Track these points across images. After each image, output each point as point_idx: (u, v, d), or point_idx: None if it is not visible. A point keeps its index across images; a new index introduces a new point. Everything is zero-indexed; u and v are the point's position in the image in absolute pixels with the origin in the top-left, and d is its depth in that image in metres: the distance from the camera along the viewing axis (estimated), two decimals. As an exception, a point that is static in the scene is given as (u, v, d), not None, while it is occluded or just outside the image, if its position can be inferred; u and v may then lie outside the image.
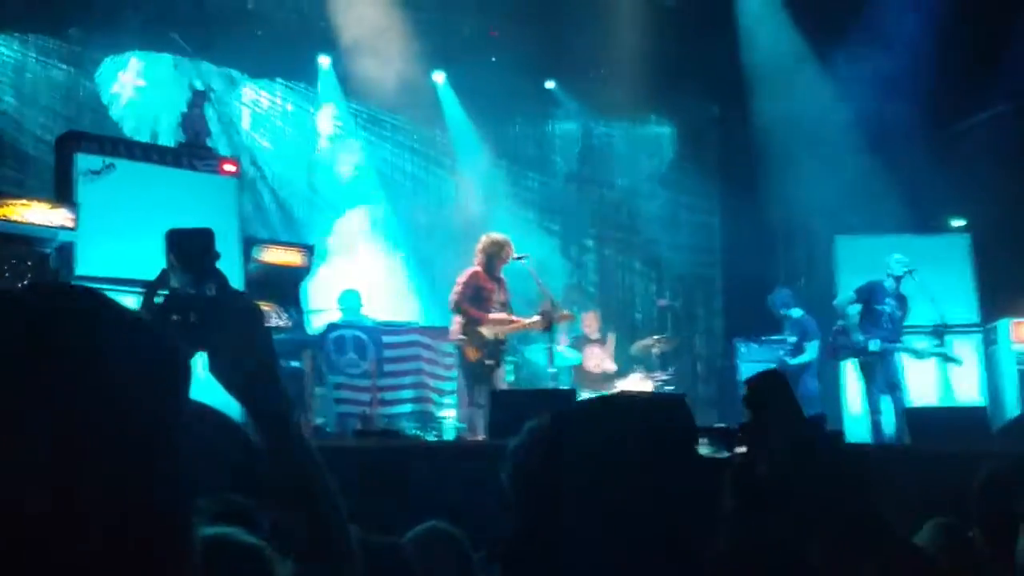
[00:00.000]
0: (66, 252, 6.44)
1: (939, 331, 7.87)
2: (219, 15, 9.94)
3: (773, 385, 1.30)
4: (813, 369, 8.65)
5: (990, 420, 6.79)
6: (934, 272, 8.17)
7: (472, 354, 7.12)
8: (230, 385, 1.23)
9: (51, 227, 6.33)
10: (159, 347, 0.84)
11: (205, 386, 1.18)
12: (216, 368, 1.23)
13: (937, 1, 9.06)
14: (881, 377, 7.93)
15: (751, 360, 9.36)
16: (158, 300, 1.32)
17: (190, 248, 1.34)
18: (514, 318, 7.25)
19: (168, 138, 9.63)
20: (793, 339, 8.70)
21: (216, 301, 1.29)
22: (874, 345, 7.90)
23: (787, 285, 9.24)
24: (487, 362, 7.11)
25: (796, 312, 8.79)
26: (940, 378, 7.76)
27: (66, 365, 0.77)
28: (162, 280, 1.29)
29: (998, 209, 9.25)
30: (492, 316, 7.10)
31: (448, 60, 10.67)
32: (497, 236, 7.36)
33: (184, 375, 0.85)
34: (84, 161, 6.64)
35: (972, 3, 8.89)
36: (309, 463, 1.24)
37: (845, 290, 8.41)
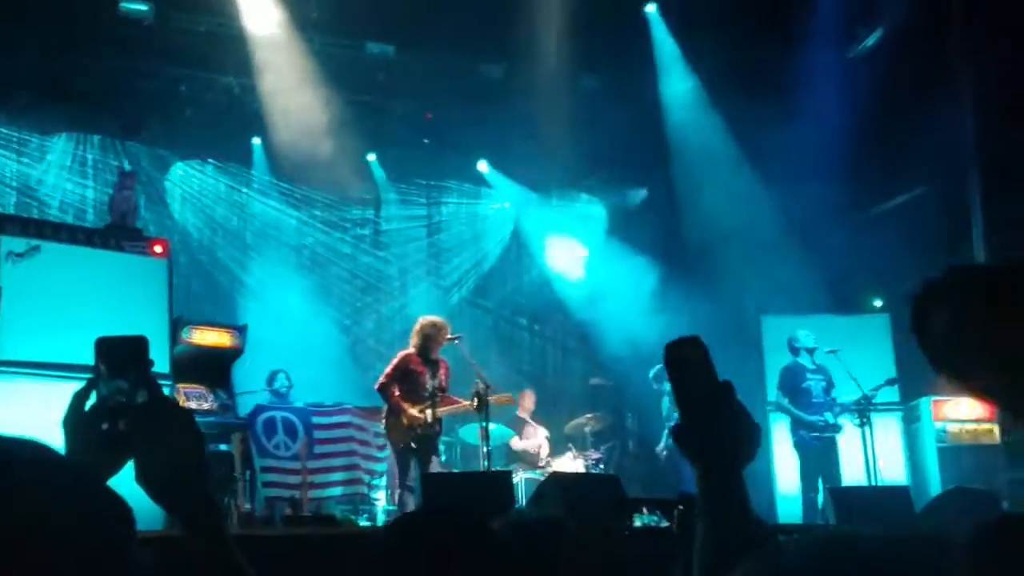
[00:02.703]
0: (-11, 337, 6.26)
1: (862, 408, 8.04)
2: (149, 96, 9.95)
3: (692, 347, 1.45)
4: None
5: (913, 499, 6.94)
6: (855, 351, 8.34)
7: (396, 440, 7.20)
8: (158, 495, 1.24)
9: (-28, 311, 6.18)
10: (103, 500, 0.85)
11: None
12: (144, 478, 1.24)
13: (856, 87, 9.46)
14: (818, 456, 8.02)
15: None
16: (87, 407, 1.33)
17: (121, 355, 1.35)
18: (456, 399, 7.27)
19: (96, 219, 9.53)
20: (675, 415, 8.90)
21: (147, 410, 1.30)
22: (830, 417, 8.01)
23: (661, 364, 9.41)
24: (412, 446, 7.11)
25: (668, 386, 8.99)
26: (864, 457, 7.92)
27: (8, 522, 0.77)
28: (91, 387, 1.29)
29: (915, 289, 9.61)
30: (409, 409, 7.10)
31: (381, 141, 10.82)
32: (433, 318, 7.41)
33: (129, 526, 0.86)
34: (8, 243, 6.51)
35: (890, 89, 9.34)
36: (237, 573, 1.25)
37: (772, 370, 8.62)
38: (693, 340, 1.43)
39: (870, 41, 9.84)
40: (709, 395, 1.40)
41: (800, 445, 8.16)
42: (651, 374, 9.26)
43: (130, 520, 0.91)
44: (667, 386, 8.94)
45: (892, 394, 9.22)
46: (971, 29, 8.94)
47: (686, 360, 1.42)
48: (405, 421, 7.12)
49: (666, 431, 9.06)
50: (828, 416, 8.02)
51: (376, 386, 7.29)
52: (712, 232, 10.38)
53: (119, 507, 0.90)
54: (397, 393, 7.18)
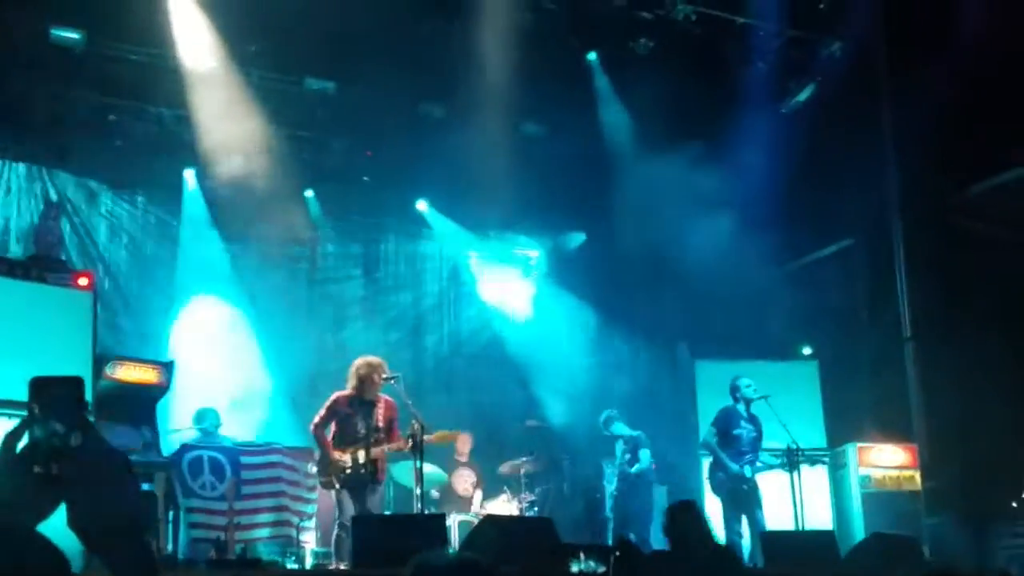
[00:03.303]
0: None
1: (791, 454, 8.17)
2: (78, 125, 9.71)
3: (691, 514, 1.45)
4: (649, 479, 8.96)
5: (838, 544, 7.04)
6: (785, 397, 8.46)
7: (325, 482, 7.22)
8: (89, 540, 1.19)
9: None
10: (38, 555, 0.81)
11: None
12: (76, 522, 1.18)
13: (787, 140, 9.69)
14: (741, 500, 8.10)
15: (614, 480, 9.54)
16: (19, 449, 1.26)
17: (56, 397, 1.29)
18: (397, 438, 7.18)
19: (19, 249, 9.22)
20: (628, 456, 9.02)
21: (81, 452, 1.25)
22: (748, 471, 8.11)
23: (618, 410, 9.52)
24: (340, 486, 7.09)
25: (623, 429, 9.15)
26: (792, 502, 8.03)
27: None
28: (24, 428, 1.22)
29: (843, 337, 9.85)
30: (333, 453, 7.11)
31: (319, 178, 10.73)
32: (368, 359, 7.36)
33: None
34: (-73, 273, 6.27)
35: (820, 143, 9.62)
36: None
37: (704, 413, 8.73)
38: (689, 505, 1.43)
39: (802, 96, 10.14)
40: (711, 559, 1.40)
41: (718, 488, 8.25)
42: (601, 418, 9.30)
43: (66, 571, 0.86)
44: (618, 428, 9.05)
45: (820, 439, 9.44)
46: (896, 85, 9.32)
47: (686, 529, 1.42)
48: (338, 461, 7.11)
49: (617, 475, 9.11)
50: (747, 469, 8.14)
51: (310, 428, 7.31)
52: (648, 277, 10.53)
53: (55, 559, 0.85)
54: (329, 436, 7.19)
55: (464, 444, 9.26)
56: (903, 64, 9.15)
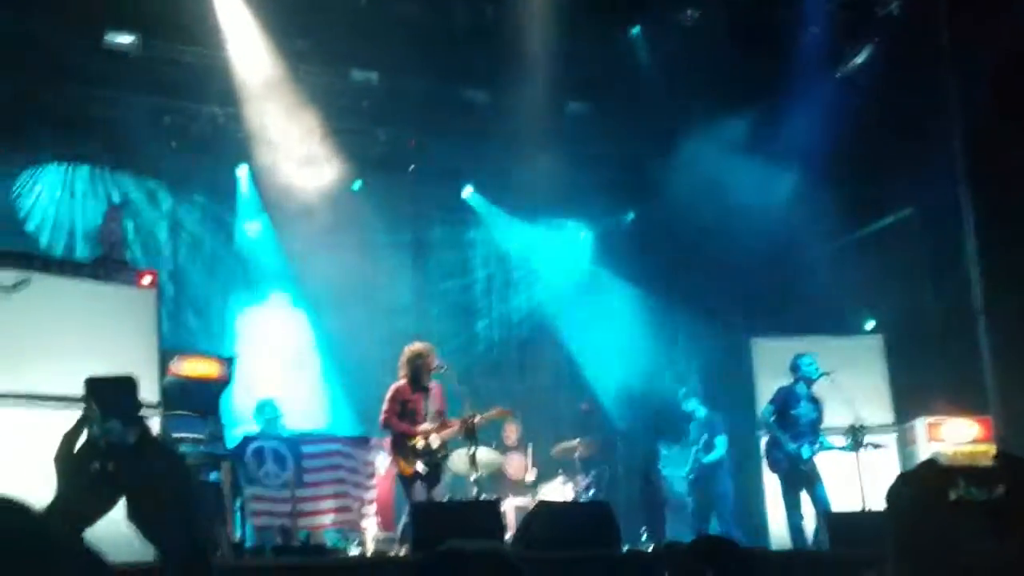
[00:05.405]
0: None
1: (856, 432, 8.00)
2: (135, 127, 9.95)
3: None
4: (726, 466, 8.81)
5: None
6: (848, 373, 8.24)
7: (405, 468, 7.33)
8: (148, 534, 1.26)
9: (-36, 343, 6.16)
10: (79, 562, 0.87)
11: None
12: (135, 517, 1.25)
13: (842, 110, 9.41)
14: (800, 480, 7.94)
15: (672, 463, 9.51)
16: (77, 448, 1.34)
17: (111, 396, 1.36)
18: (453, 423, 7.33)
19: (85, 251, 9.51)
20: (704, 437, 8.91)
21: (137, 450, 1.31)
22: (806, 452, 7.92)
23: (696, 386, 9.43)
24: (421, 471, 7.25)
25: (701, 412, 9.04)
26: (858, 481, 7.83)
27: None
28: (80, 427, 1.29)
29: (908, 310, 9.52)
30: (420, 428, 7.32)
31: (366, 168, 10.85)
32: (419, 347, 7.47)
33: None
34: (-1, 276, 6.50)
35: (876, 111, 9.34)
36: None
37: (762, 392, 8.58)
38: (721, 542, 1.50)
39: (859, 60, 9.81)
40: None
41: (775, 467, 8.09)
42: (680, 393, 9.19)
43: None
44: (691, 406, 8.93)
45: (886, 415, 9.17)
46: (959, 47, 8.94)
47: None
48: (419, 444, 7.28)
49: (692, 459, 9.04)
50: (805, 450, 7.93)
51: (380, 423, 7.50)
52: (701, 254, 10.38)
53: (97, 569, 0.91)
54: (402, 424, 7.36)
55: (511, 430, 9.33)
56: (965, 20, 8.73)
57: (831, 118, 9.43)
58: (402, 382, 7.44)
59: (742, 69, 9.29)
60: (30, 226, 9.99)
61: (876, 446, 8.10)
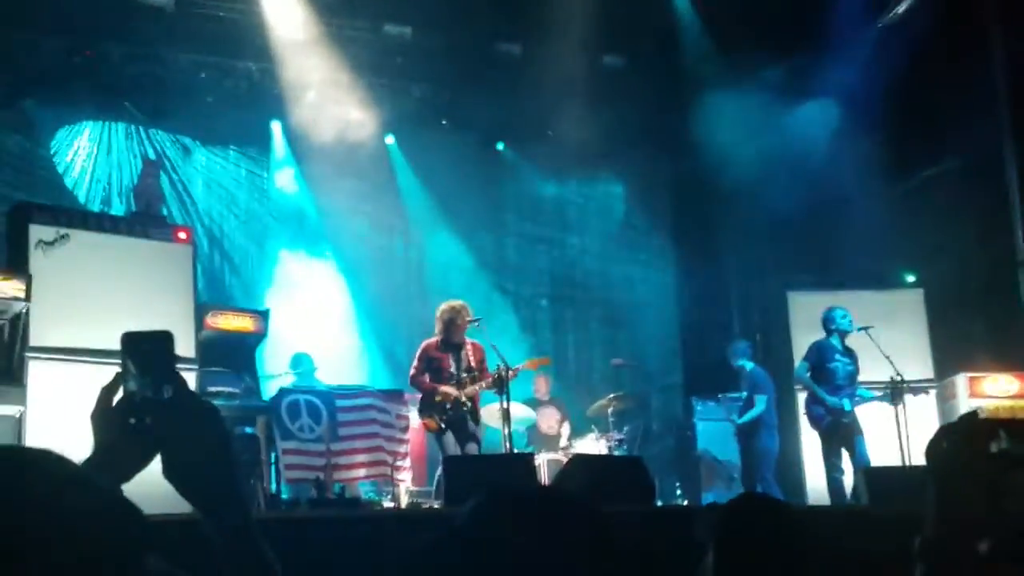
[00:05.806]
0: (19, 323, 6.37)
1: (895, 386, 7.92)
2: (171, 83, 10.00)
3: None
4: (770, 422, 8.61)
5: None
6: (887, 328, 8.12)
7: (431, 425, 7.42)
8: (185, 490, 1.26)
9: (4, 298, 6.27)
10: (115, 513, 0.87)
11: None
12: (171, 473, 1.25)
13: (885, 59, 9.20)
14: (841, 434, 7.83)
15: (707, 419, 9.45)
16: (114, 403, 1.35)
17: (147, 351, 1.36)
18: (484, 375, 7.37)
19: (122, 207, 9.62)
20: (743, 394, 8.79)
21: (173, 405, 1.31)
22: (847, 404, 7.80)
23: (744, 339, 9.30)
24: (443, 427, 7.30)
25: (748, 365, 8.90)
26: (898, 436, 7.75)
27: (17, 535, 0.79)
28: (117, 383, 1.30)
29: (950, 264, 9.33)
30: (443, 387, 7.34)
31: (399, 124, 10.81)
32: (452, 303, 7.49)
33: (142, 539, 0.88)
34: (37, 232, 6.60)
35: (919, 61, 9.12)
36: (264, 568, 1.27)
37: (799, 349, 8.44)
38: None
39: (901, 8, 9.59)
40: None
41: (816, 423, 7.97)
42: (731, 349, 9.03)
43: (145, 532, 0.92)
44: (736, 358, 8.80)
45: (926, 370, 9.03)
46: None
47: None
48: (438, 398, 7.32)
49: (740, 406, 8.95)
50: (845, 402, 7.80)
51: (409, 380, 7.60)
52: (736, 207, 10.24)
53: (133, 519, 0.92)
54: (426, 382, 7.44)
55: (541, 383, 9.35)
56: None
57: (873, 68, 9.22)
58: (432, 339, 7.51)
59: (780, 19, 9.07)
60: (68, 182, 10.11)
61: (918, 392, 8.00)
